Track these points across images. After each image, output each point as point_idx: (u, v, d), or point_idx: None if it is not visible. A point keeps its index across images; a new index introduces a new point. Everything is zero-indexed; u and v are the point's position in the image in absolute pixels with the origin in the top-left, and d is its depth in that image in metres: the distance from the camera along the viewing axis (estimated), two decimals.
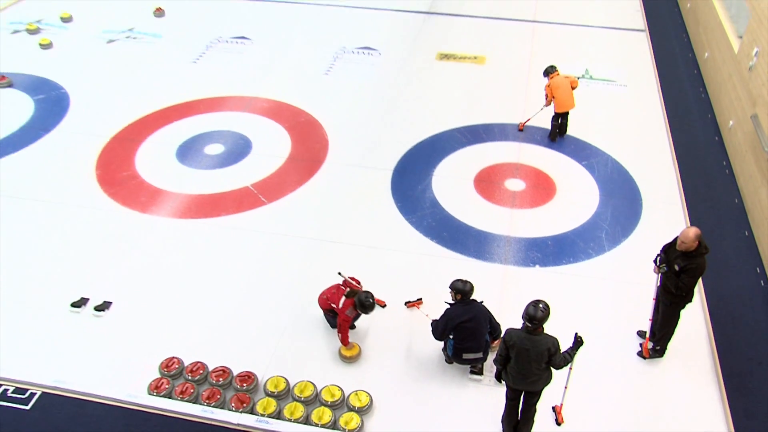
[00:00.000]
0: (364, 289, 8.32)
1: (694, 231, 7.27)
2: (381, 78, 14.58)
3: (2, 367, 8.17)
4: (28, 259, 9.89)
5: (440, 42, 16.05)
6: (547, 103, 12.23)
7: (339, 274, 8.57)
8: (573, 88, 12.13)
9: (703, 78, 14.35)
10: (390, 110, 13.44)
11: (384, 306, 8.46)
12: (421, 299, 9.02)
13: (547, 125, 12.60)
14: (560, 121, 12.38)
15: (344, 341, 8.14)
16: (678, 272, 7.39)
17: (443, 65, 15.07)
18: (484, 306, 7.75)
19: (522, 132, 12.70)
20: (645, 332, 8.36)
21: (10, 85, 14.23)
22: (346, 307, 7.91)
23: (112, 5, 18.03)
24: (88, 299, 9.15)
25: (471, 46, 15.82)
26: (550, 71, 12.15)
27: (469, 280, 7.67)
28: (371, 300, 7.85)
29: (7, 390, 7.89)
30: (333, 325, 8.38)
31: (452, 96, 13.87)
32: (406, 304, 9.00)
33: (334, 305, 8.08)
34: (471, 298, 7.68)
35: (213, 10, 17.83)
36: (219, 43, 16.11)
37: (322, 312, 8.57)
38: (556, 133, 12.51)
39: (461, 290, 7.60)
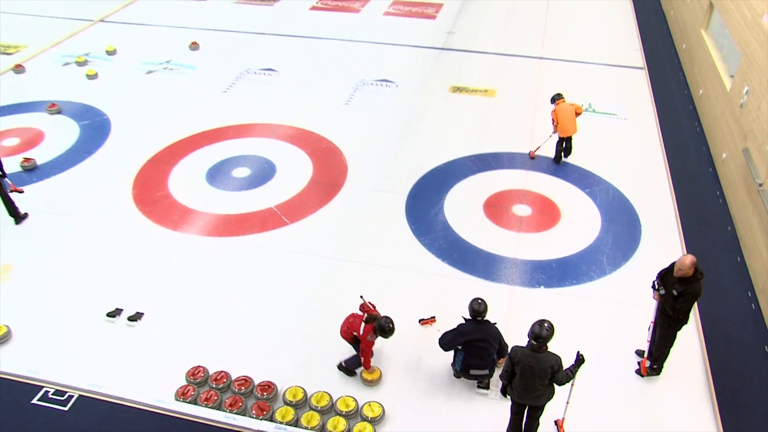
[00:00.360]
0: (380, 312, 8.23)
1: (690, 258, 7.22)
2: (398, 108, 14.63)
3: (44, 370, 8.24)
4: (68, 271, 9.99)
5: (453, 75, 16.13)
6: (555, 130, 12.26)
7: (360, 297, 8.47)
8: (578, 114, 12.21)
9: (698, 113, 14.31)
10: (405, 138, 13.47)
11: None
12: (434, 317, 8.97)
13: (553, 154, 12.64)
14: (564, 145, 12.44)
15: (367, 365, 8.04)
16: (676, 297, 7.34)
17: (456, 97, 15.13)
18: (496, 328, 7.70)
19: (532, 159, 12.71)
20: (643, 351, 8.29)
21: (59, 112, 14.45)
22: (367, 332, 7.79)
23: (151, 39, 18.30)
24: (122, 310, 9.21)
25: (482, 80, 15.88)
26: (556, 98, 12.30)
27: (485, 301, 7.60)
28: (391, 325, 7.74)
29: (48, 392, 7.97)
30: (356, 366, 8.17)
31: (464, 126, 13.90)
32: (420, 321, 8.96)
33: (355, 333, 7.93)
34: (485, 318, 7.63)
35: (243, 43, 18.05)
36: (248, 74, 16.26)
37: (343, 368, 8.27)
38: (561, 156, 12.57)
39: (475, 310, 7.55)
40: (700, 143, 13.35)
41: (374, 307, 8.26)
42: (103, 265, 10.12)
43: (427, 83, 15.74)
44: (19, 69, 16.42)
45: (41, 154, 12.90)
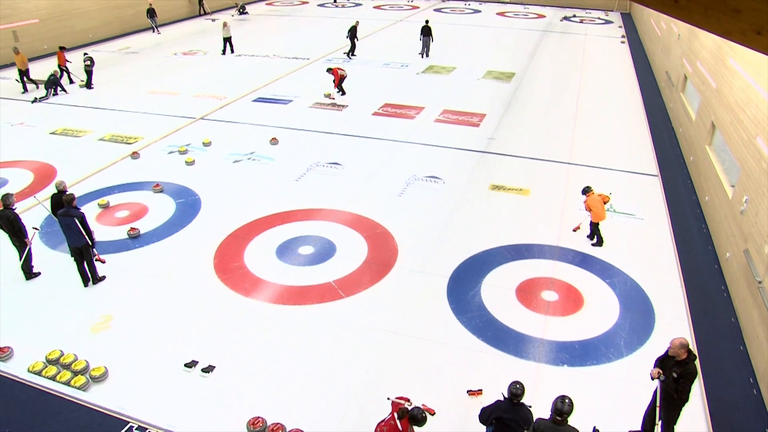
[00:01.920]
0: (411, 400, 8.00)
1: (679, 340, 7.15)
2: (443, 202, 14.82)
3: (132, 407, 8.47)
4: (157, 324, 10.32)
5: (493, 175, 16.32)
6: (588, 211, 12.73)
7: (387, 398, 8.06)
8: (605, 203, 12.61)
9: (705, 216, 14.12)
10: (450, 228, 13.58)
11: (433, 414, 8.19)
12: (481, 390, 8.78)
13: (579, 247, 12.61)
14: (596, 228, 12.77)
15: None
16: (676, 379, 7.16)
17: (494, 194, 15.25)
18: (530, 411, 7.41)
19: (575, 232, 13.05)
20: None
21: (161, 191, 15.15)
22: (406, 427, 7.37)
23: (239, 135, 19.18)
24: (197, 362, 9.38)
25: (518, 180, 16.02)
26: (586, 190, 12.71)
27: (523, 385, 7.36)
28: (424, 414, 7.33)
29: (133, 427, 8.17)
30: None
31: (501, 220, 13.96)
32: (468, 392, 8.82)
33: None
34: (521, 401, 7.39)
35: (314, 141, 18.74)
36: (317, 167, 16.77)
37: None
38: (594, 236, 12.88)
39: (512, 392, 7.31)
40: (707, 243, 13.09)
41: (408, 399, 7.89)
42: (184, 321, 10.39)
43: (469, 181, 15.95)
44: (135, 155, 17.37)
45: (144, 225, 13.50)
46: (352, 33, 29.49)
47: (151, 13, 35.21)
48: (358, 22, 30.52)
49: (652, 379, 7.48)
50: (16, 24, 28.98)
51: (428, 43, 29.67)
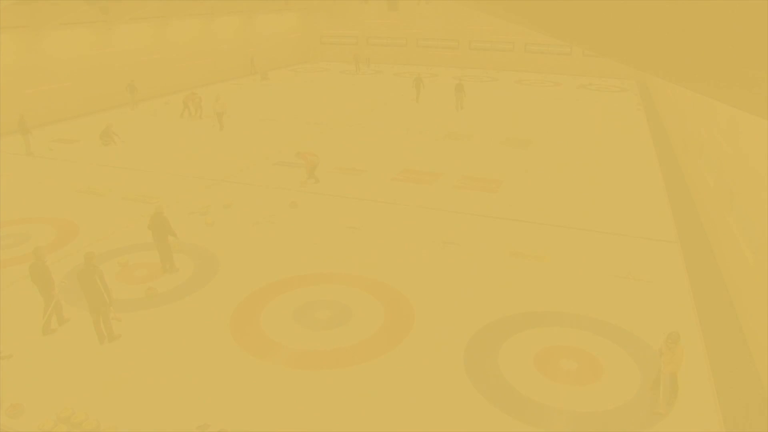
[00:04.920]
0: None
1: None
2: (461, 268, 14.84)
3: None
4: (169, 386, 10.32)
5: (510, 242, 16.34)
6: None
7: None
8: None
9: (726, 283, 13.91)
10: (468, 294, 13.55)
11: None
12: None
13: (597, 314, 12.42)
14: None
15: None
16: None
17: (512, 261, 15.25)
18: None
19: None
20: None
21: (180, 251, 15.27)
22: None
23: (259, 197, 19.56)
24: (209, 425, 9.29)
25: (535, 247, 16.01)
26: (675, 339, 9.65)
27: None
28: None
29: None
30: None
31: (518, 286, 13.91)
32: None
33: None
34: None
35: (334, 204, 19.00)
36: (335, 230, 16.92)
37: None
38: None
39: None
40: (729, 310, 12.88)
41: None
42: (198, 383, 10.41)
43: (487, 247, 15.98)
44: None
45: (162, 285, 13.63)
46: (418, 82, 35.03)
47: (131, 88, 32.99)
48: (419, 73, 37.84)
49: None
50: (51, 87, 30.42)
51: (462, 98, 33.58)
